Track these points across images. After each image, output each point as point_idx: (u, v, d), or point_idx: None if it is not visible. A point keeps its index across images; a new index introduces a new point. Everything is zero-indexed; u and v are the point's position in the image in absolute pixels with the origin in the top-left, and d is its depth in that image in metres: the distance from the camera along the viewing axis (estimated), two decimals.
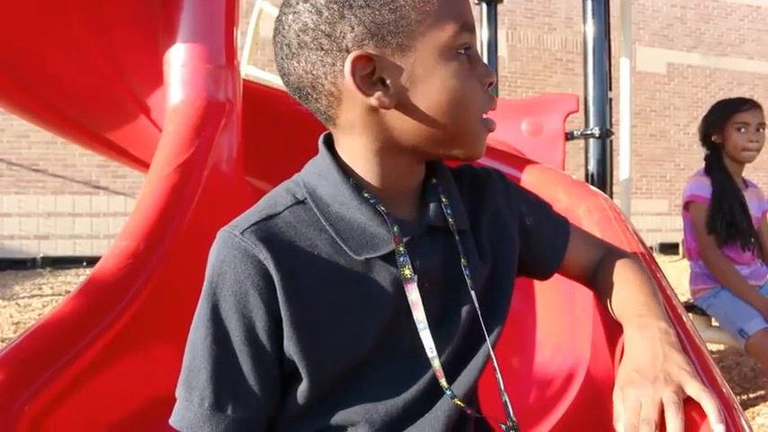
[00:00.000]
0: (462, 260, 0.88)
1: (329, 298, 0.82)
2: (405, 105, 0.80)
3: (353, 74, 0.77)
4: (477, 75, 0.82)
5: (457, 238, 0.88)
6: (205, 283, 0.82)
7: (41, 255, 8.34)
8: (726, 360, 3.73)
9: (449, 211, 0.89)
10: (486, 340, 0.88)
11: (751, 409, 3.10)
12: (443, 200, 0.89)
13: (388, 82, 0.79)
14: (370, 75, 0.78)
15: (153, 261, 1.39)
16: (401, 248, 0.83)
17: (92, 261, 7.88)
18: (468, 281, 0.87)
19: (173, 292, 1.39)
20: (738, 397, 3.25)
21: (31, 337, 1.14)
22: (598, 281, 1.02)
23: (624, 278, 0.97)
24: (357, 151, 0.85)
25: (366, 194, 0.83)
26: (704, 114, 2.95)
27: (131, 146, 2.15)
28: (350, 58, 0.77)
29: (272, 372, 0.82)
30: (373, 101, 0.78)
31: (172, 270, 1.42)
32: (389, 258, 0.83)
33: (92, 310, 1.24)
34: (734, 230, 2.75)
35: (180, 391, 0.82)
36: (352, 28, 0.77)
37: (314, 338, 0.81)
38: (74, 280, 7.15)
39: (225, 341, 0.79)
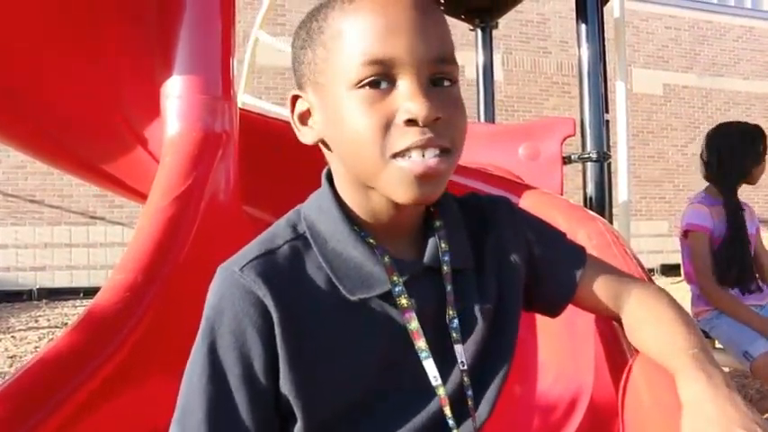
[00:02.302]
0: (449, 311, 0.85)
1: (326, 337, 0.80)
2: (327, 142, 0.83)
3: (292, 112, 0.85)
4: (386, 110, 0.75)
5: (448, 288, 0.86)
6: (203, 320, 0.80)
7: (38, 286, 8.30)
8: None
9: (446, 258, 0.86)
10: (492, 380, 0.88)
11: None
12: (443, 245, 0.86)
13: (312, 119, 0.84)
14: (309, 112, 0.84)
15: (151, 294, 1.39)
16: (395, 278, 0.81)
17: (89, 292, 7.84)
18: (454, 334, 0.85)
19: (171, 324, 1.38)
20: None
21: (29, 372, 1.14)
22: (626, 315, 0.97)
23: (660, 314, 0.92)
24: (338, 183, 0.86)
25: (356, 228, 0.82)
26: (736, 147, 2.81)
27: (128, 177, 2.15)
28: (290, 96, 0.85)
29: (269, 412, 0.80)
30: (301, 136, 0.85)
31: (170, 303, 1.41)
32: (385, 298, 0.82)
33: (89, 344, 1.23)
34: (742, 275, 2.73)
35: (174, 429, 0.79)
36: (296, 69, 0.85)
37: (310, 378, 0.79)
38: (71, 311, 7.11)
39: (221, 380, 0.77)
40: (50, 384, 1.12)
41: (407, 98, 0.74)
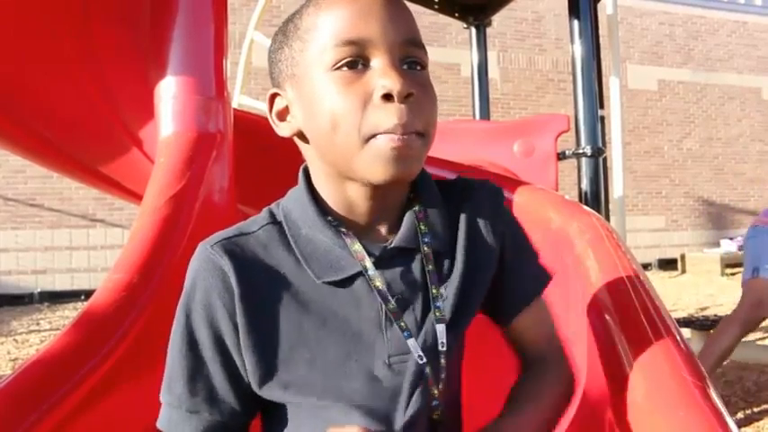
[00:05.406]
0: (432, 290, 0.85)
1: (290, 319, 0.82)
2: (306, 133, 0.85)
3: (270, 110, 0.88)
4: (363, 89, 0.78)
5: (430, 267, 0.86)
6: (182, 294, 0.85)
7: (39, 289, 8.32)
8: (728, 375, 3.69)
9: (426, 240, 0.86)
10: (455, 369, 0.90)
11: (755, 424, 3.09)
12: (422, 227, 0.87)
13: (290, 114, 0.87)
14: (287, 109, 0.87)
15: (147, 293, 1.39)
16: (365, 262, 0.83)
17: (90, 295, 7.68)
18: (437, 313, 0.85)
19: (166, 323, 1.38)
20: (741, 411, 3.24)
21: (25, 372, 1.14)
22: (527, 368, 0.98)
23: (540, 393, 0.93)
24: (314, 176, 0.89)
25: (329, 218, 0.85)
26: None
27: (124, 178, 2.16)
28: (268, 95, 0.89)
29: (243, 382, 0.84)
30: (279, 131, 0.89)
31: (166, 302, 1.41)
32: (353, 282, 0.83)
33: (86, 344, 1.24)
34: None
35: (163, 395, 0.85)
36: (273, 71, 0.89)
37: (268, 356, 0.82)
38: (72, 314, 7.13)
39: (196, 351, 0.83)
40: (47, 384, 1.13)
41: (382, 75, 0.77)
